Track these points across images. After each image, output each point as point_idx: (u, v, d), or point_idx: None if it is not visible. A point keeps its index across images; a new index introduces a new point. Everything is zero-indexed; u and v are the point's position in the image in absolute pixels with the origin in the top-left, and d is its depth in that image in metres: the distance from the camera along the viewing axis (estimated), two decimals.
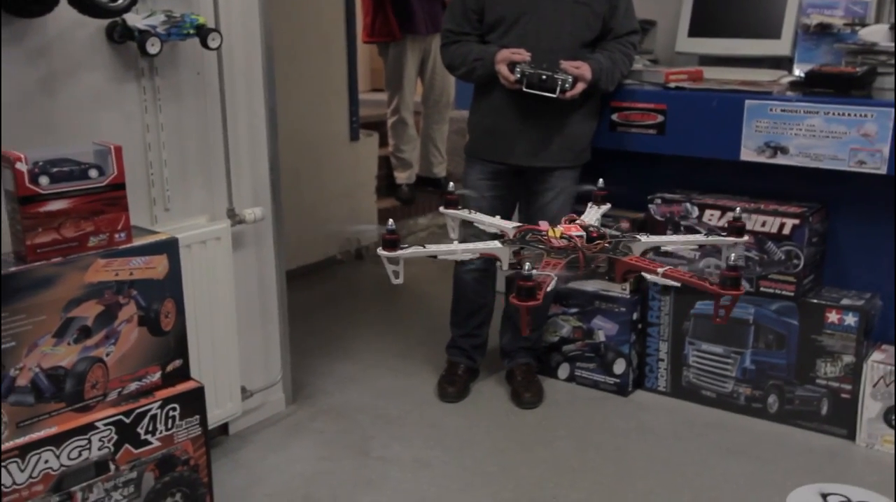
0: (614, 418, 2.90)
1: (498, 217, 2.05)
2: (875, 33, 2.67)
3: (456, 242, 1.92)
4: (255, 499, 2.42)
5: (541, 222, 1.85)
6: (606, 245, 1.74)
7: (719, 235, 1.98)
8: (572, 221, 1.84)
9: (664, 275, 1.60)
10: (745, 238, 1.85)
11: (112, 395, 2.02)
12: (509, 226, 1.96)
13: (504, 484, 2.48)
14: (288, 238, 2.85)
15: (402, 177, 4.96)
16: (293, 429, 2.83)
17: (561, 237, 1.75)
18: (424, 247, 1.82)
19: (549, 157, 2.77)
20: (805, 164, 2.55)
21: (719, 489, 2.47)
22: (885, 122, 2.41)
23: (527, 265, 1.56)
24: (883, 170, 2.44)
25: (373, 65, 6.57)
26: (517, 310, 1.80)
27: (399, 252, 1.78)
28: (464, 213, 2.12)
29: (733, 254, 1.80)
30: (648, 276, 1.66)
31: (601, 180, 2.33)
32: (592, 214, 2.06)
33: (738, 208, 2.07)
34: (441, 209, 2.15)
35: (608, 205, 2.11)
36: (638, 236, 1.85)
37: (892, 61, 2.60)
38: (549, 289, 1.60)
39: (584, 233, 1.76)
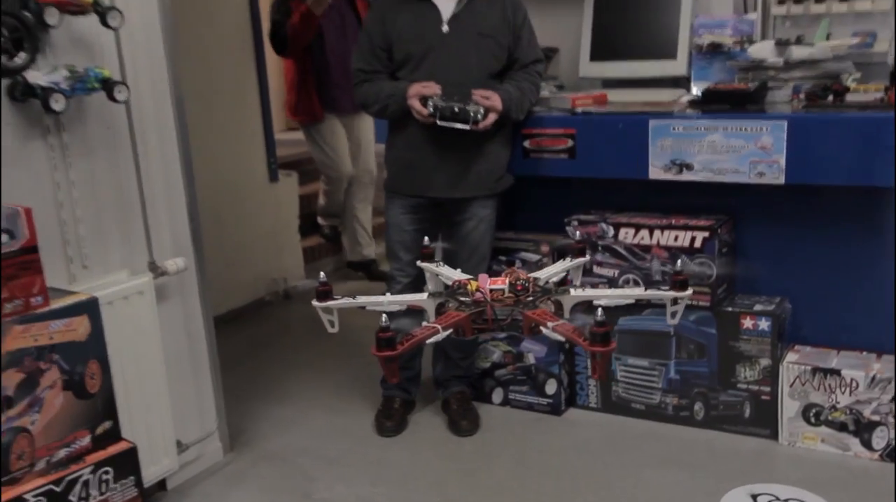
0: (550, 438, 2.92)
1: (459, 270, 2.03)
2: (762, 50, 2.77)
3: (388, 294, 1.96)
4: None
5: (480, 275, 1.83)
6: (518, 299, 1.74)
7: (658, 288, 1.94)
8: (514, 273, 1.82)
9: (553, 330, 1.61)
10: (689, 292, 1.82)
11: (40, 465, 1.95)
12: (459, 274, 1.96)
13: None
14: (213, 284, 2.80)
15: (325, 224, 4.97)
16: (233, 478, 2.76)
17: (476, 291, 1.75)
18: (355, 297, 1.88)
19: (467, 188, 2.78)
20: (710, 179, 2.60)
21: (655, 499, 2.50)
22: (780, 134, 2.47)
23: (384, 317, 1.58)
24: (781, 181, 2.50)
25: (285, 100, 6.49)
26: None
27: (331, 303, 1.86)
28: (432, 267, 2.10)
29: (677, 312, 1.86)
30: (543, 330, 1.65)
31: (578, 233, 2.37)
32: (555, 267, 2.07)
33: (679, 261, 2.10)
34: (421, 264, 2.11)
35: (585, 259, 2.12)
36: (571, 290, 1.83)
37: (781, 76, 2.71)
38: (431, 340, 1.64)
39: (505, 287, 1.75)
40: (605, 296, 1.82)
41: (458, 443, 2.92)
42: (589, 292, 1.87)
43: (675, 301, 1.84)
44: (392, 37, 2.73)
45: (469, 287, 1.76)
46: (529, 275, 1.85)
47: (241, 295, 4.35)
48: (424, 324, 1.71)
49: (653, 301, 1.98)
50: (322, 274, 1.94)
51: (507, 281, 1.76)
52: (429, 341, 1.64)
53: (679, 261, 2.19)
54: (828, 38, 2.80)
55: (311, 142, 4.50)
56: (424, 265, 2.09)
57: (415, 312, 1.93)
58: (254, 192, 4.44)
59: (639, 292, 1.96)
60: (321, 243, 4.90)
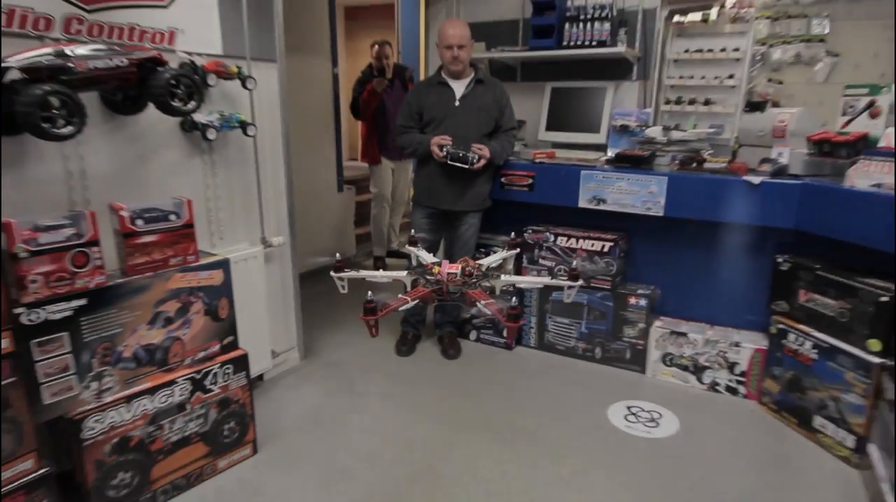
0: (504, 364, 2.93)
1: (432, 255, 1.99)
2: (654, 131, 2.78)
3: (382, 270, 1.92)
4: (281, 423, 2.35)
5: (443, 261, 1.77)
6: (465, 281, 1.66)
7: (560, 278, 1.89)
8: (466, 261, 1.76)
9: (485, 306, 1.55)
10: (580, 282, 1.75)
11: (188, 361, 1.96)
12: (432, 259, 1.90)
13: (439, 407, 2.48)
14: (299, 253, 2.79)
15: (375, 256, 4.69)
16: (304, 377, 2.76)
17: (438, 273, 1.69)
18: (359, 271, 1.84)
19: (464, 204, 2.78)
20: (617, 210, 2.61)
21: (567, 403, 2.51)
22: (662, 185, 2.49)
23: (369, 293, 1.54)
24: (661, 213, 2.52)
25: (350, 141, 6.45)
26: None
27: (343, 274, 1.84)
28: (414, 250, 2.07)
29: (571, 294, 1.78)
30: (478, 304, 1.60)
31: (513, 233, 2.36)
32: (495, 256, 1.99)
33: (574, 261, 2.07)
34: (406, 247, 2.12)
35: (516, 251, 2.07)
36: (502, 276, 1.76)
37: (665, 149, 2.72)
38: (402, 308, 1.59)
39: (458, 271, 1.68)
40: (523, 282, 1.78)
41: (448, 364, 2.93)
42: (513, 278, 1.80)
43: (569, 286, 1.81)
44: (424, 106, 2.72)
45: (434, 269, 1.69)
46: (477, 262, 1.77)
47: (316, 261, 4.32)
48: (400, 295, 1.64)
49: (552, 286, 1.87)
50: (338, 254, 1.91)
51: (460, 266, 1.69)
52: (401, 308, 1.58)
53: (574, 262, 2.16)
54: (694, 127, 2.81)
55: (372, 175, 4.38)
56: (409, 249, 2.03)
57: (394, 287, 1.89)
58: (327, 197, 4.41)
59: (546, 280, 1.87)
60: (367, 231, 4.83)
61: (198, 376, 1.94)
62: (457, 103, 2.68)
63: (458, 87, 2.70)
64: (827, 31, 2.78)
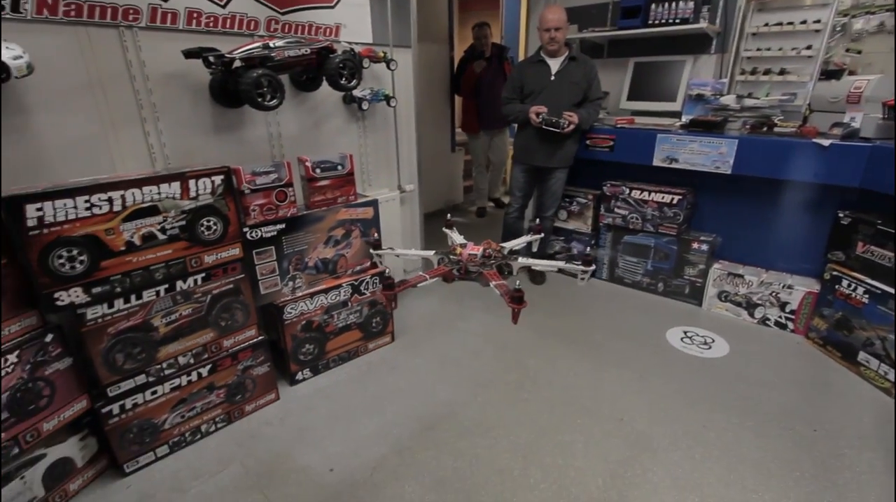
0: (580, 291, 2.90)
1: (423, 250, 1.66)
2: (728, 99, 2.52)
3: (415, 249, 1.60)
4: (410, 322, 2.51)
5: (468, 244, 1.49)
6: (484, 262, 1.43)
7: (575, 264, 1.51)
8: (489, 243, 1.51)
9: (495, 286, 1.36)
10: (592, 267, 1.48)
11: (349, 272, 2.14)
12: (460, 241, 1.59)
13: (528, 320, 2.48)
14: (424, 198, 2.88)
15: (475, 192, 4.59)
16: (426, 291, 2.81)
17: (460, 254, 1.46)
18: (393, 249, 1.64)
19: (554, 162, 2.72)
20: (687, 168, 2.46)
21: (631, 325, 2.49)
22: (732, 146, 2.30)
23: (386, 269, 1.35)
24: (728, 172, 2.34)
25: (459, 114, 6.33)
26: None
27: (380, 251, 1.65)
28: (449, 232, 1.69)
29: (585, 278, 1.47)
30: (491, 284, 1.39)
31: (538, 220, 2.17)
32: (520, 240, 1.69)
33: (587, 248, 1.81)
34: (443, 229, 1.74)
35: (540, 236, 1.75)
36: (519, 258, 1.48)
37: (737, 115, 2.47)
38: (421, 284, 1.38)
39: (478, 252, 1.45)
40: (539, 264, 1.47)
41: (535, 288, 2.94)
42: (530, 261, 1.49)
43: (583, 271, 1.49)
44: (525, 80, 2.66)
45: (457, 250, 1.48)
46: (499, 245, 1.52)
47: (435, 204, 4.41)
48: (419, 272, 1.39)
49: (567, 270, 1.51)
50: (448, 215, 1.71)
51: (482, 248, 1.47)
52: (419, 285, 1.38)
53: (588, 248, 1.83)
54: (767, 95, 2.52)
55: (471, 144, 4.30)
56: (446, 230, 1.71)
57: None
58: (444, 156, 4.46)
59: (560, 264, 1.51)
60: (471, 184, 4.76)
61: (356, 283, 2.13)
62: (552, 78, 2.59)
63: (554, 64, 2.60)
64: None
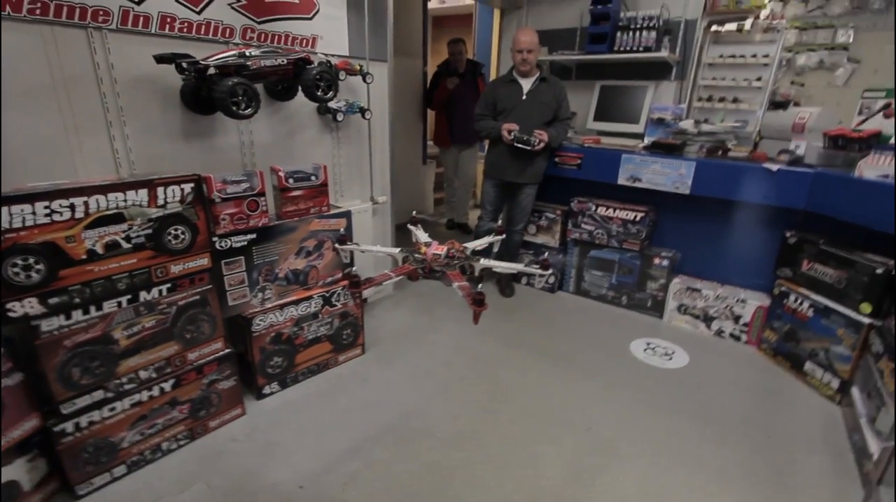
0: (548, 303, 2.95)
1: (389, 247, 1.56)
2: (686, 124, 2.67)
3: (377, 246, 1.55)
4: (381, 334, 2.50)
5: (431, 243, 1.45)
6: (448, 263, 1.40)
7: (534, 267, 1.43)
8: (453, 243, 1.46)
9: (458, 288, 1.32)
10: (550, 271, 1.47)
11: (320, 283, 2.12)
12: (425, 240, 1.53)
13: (498, 331, 2.57)
14: (395, 209, 2.89)
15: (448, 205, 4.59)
16: (397, 302, 2.88)
17: (424, 253, 1.42)
18: (359, 244, 1.58)
19: (524, 177, 2.78)
20: (649, 187, 2.57)
21: (597, 337, 2.55)
22: (691, 168, 2.42)
23: (354, 268, 1.33)
24: (687, 192, 2.46)
25: (431, 127, 6.35)
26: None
27: (345, 246, 1.63)
28: (414, 229, 1.66)
29: (548, 279, 1.45)
30: (454, 284, 1.35)
31: (500, 221, 2.15)
32: (482, 240, 1.68)
33: (545, 254, 1.85)
34: (408, 225, 1.69)
35: (502, 236, 1.73)
36: (481, 260, 1.44)
37: (695, 139, 2.62)
38: (385, 282, 1.35)
39: (442, 253, 1.41)
40: (500, 266, 1.44)
41: (504, 300, 2.98)
42: (491, 262, 1.45)
43: (541, 274, 1.48)
44: (497, 98, 2.72)
45: (422, 249, 1.43)
46: (462, 245, 1.48)
47: (405, 215, 4.33)
48: (386, 271, 1.38)
49: (526, 272, 1.45)
50: (414, 212, 1.71)
51: (445, 248, 1.43)
52: (384, 282, 1.35)
53: (546, 254, 1.83)
54: (722, 121, 2.69)
55: (443, 157, 4.28)
56: (411, 227, 1.66)
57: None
58: (415, 169, 4.49)
59: (520, 266, 1.45)
60: (443, 196, 4.77)
61: (327, 294, 2.11)
62: (524, 97, 2.67)
63: (526, 84, 2.68)
64: (851, 40, 2.55)
